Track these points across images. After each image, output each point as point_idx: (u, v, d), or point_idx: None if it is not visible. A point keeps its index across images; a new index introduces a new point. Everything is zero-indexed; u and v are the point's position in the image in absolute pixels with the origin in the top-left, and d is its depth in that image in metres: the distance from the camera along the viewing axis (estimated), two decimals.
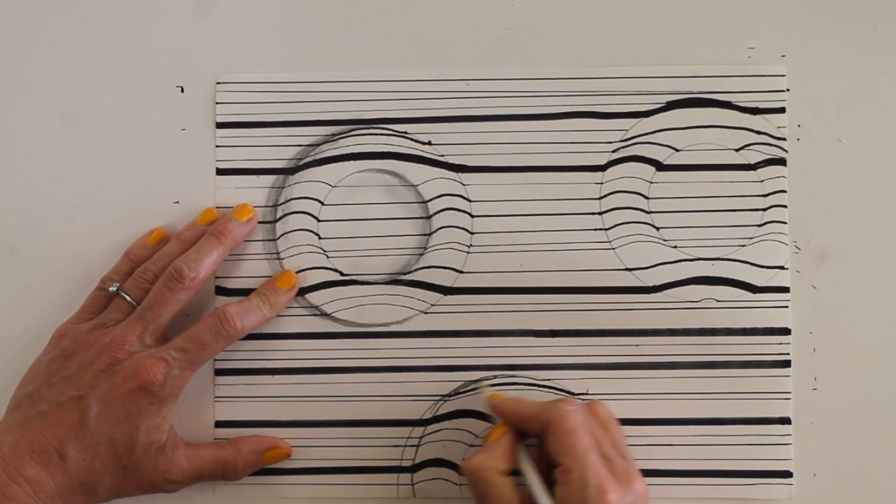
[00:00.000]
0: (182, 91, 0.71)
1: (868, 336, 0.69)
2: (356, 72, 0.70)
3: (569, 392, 0.68)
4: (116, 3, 0.71)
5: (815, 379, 0.68)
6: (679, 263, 0.69)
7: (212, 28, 0.70)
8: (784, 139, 0.69)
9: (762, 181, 0.69)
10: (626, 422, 0.68)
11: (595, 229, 0.69)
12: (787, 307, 0.68)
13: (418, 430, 0.69)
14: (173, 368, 0.63)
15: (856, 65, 0.69)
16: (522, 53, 0.70)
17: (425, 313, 0.69)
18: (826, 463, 0.68)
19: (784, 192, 0.69)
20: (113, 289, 0.67)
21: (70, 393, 0.62)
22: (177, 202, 0.70)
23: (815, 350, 0.68)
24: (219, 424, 0.69)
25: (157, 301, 0.65)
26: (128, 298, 0.66)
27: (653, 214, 0.69)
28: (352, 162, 0.70)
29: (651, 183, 0.69)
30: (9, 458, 0.60)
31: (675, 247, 0.69)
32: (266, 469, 0.69)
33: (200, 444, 0.67)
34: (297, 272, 0.69)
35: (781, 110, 0.69)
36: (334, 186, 0.70)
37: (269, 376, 0.69)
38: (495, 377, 0.69)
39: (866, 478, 0.68)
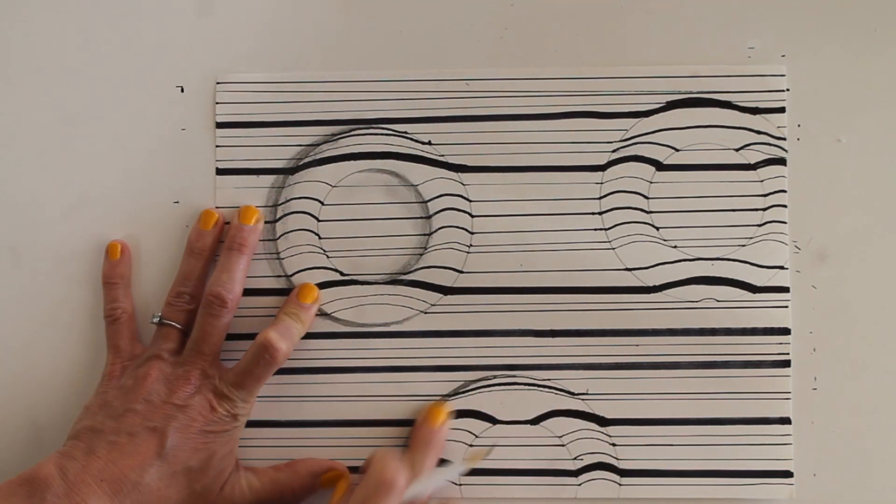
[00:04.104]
0: (182, 91, 0.71)
1: (868, 336, 0.69)
2: (356, 72, 0.70)
3: (569, 392, 0.68)
4: (116, 3, 0.71)
5: (815, 379, 0.68)
6: (679, 263, 0.69)
7: (212, 28, 0.70)
8: (784, 139, 0.69)
9: (762, 181, 0.69)
10: (625, 422, 0.68)
11: (595, 229, 0.69)
12: (786, 307, 0.68)
13: None
14: (237, 401, 0.65)
15: (856, 65, 0.69)
16: (522, 53, 0.70)
17: (425, 313, 0.69)
18: (826, 463, 0.68)
19: (784, 191, 0.69)
20: (155, 320, 0.68)
21: (144, 425, 0.63)
22: (177, 202, 0.70)
23: (815, 350, 0.68)
24: None
25: (207, 331, 0.66)
26: (174, 325, 0.68)
27: (653, 214, 0.69)
28: (352, 162, 0.70)
29: (651, 183, 0.69)
30: (73, 485, 0.61)
31: (675, 247, 0.69)
32: None
33: (257, 467, 0.68)
34: (297, 272, 0.69)
35: (781, 110, 0.69)
36: (334, 186, 0.70)
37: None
38: (495, 377, 0.69)
39: (866, 478, 0.68)
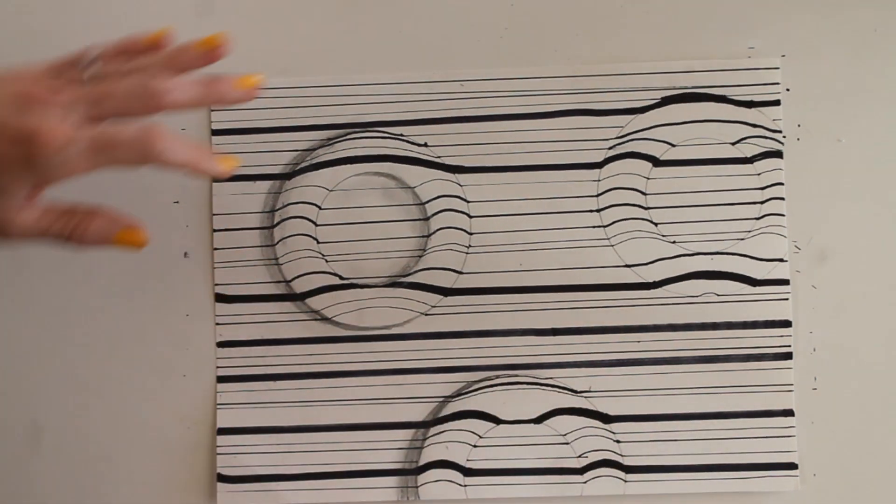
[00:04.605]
0: None
1: (868, 336, 0.69)
2: (351, 75, 0.70)
3: (572, 390, 0.68)
4: (117, 3, 0.71)
5: (816, 378, 0.68)
6: (678, 258, 0.69)
7: (212, 29, 0.70)
8: (780, 132, 0.69)
9: (759, 174, 0.69)
10: (629, 418, 0.68)
11: (593, 226, 0.69)
12: (787, 299, 0.68)
13: (421, 432, 0.69)
14: (78, 132, 0.54)
15: (855, 64, 0.70)
16: (522, 53, 0.70)
17: (426, 315, 0.69)
18: (826, 462, 0.68)
19: (781, 184, 0.69)
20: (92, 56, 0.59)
21: None
22: (177, 202, 0.70)
23: (815, 350, 0.68)
24: (221, 432, 0.69)
25: (114, 96, 0.57)
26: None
27: (651, 210, 0.69)
28: (348, 165, 0.70)
29: (648, 179, 0.69)
30: None
31: (674, 242, 0.69)
32: (268, 475, 0.69)
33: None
34: (296, 277, 0.69)
35: (776, 103, 0.69)
36: (331, 190, 0.70)
37: (271, 382, 0.69)
38: (497, 377, 0.69)
39: (866, 477, 0.68)
